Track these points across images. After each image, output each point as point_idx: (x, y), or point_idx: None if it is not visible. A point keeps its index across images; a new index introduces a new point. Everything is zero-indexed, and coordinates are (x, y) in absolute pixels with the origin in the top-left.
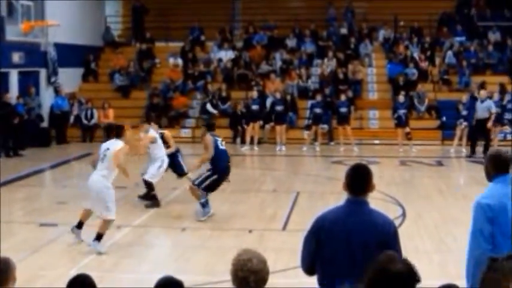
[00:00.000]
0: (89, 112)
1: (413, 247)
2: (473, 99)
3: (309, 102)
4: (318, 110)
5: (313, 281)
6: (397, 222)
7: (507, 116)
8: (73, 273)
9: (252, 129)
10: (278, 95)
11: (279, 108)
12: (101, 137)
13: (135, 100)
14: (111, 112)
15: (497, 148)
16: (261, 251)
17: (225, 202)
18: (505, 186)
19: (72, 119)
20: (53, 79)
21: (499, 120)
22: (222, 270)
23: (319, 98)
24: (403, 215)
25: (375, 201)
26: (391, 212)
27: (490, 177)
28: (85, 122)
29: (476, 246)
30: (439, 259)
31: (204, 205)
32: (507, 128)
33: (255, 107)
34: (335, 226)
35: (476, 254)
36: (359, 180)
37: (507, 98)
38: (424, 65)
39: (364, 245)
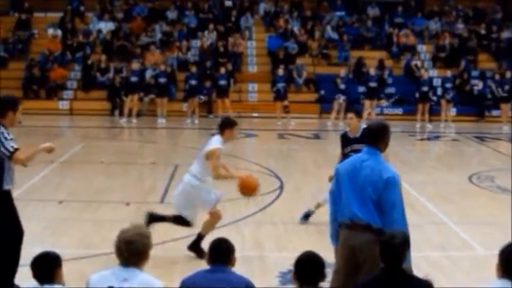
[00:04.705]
0: None
1: (290, 219)
2: (356, 73)
3: (185, 75)
4: (193, 82)
5: (189, 253)
6: (274, 195)
7: (387, 90)
8: None
9: (131, 102)
10: (162, 67)
11: (162, 80)
12: None
13: (13, 71)
14: None
15: (374, 119)
16: None
17: (102, 174)
18: (361, 155)
19: None
20: None
21: (376, 94)
22: (99, 242)
23: (193, 69)
24: (281, 187)
25: (253, 173)
26: (269, 185)
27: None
28: None
29: (330, 207)
30: (315, 230)
31: None
32: (384, 102)
33: (134, 79)
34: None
35: (330, 214)
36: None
37: (386, 72)
38: (303, 38)
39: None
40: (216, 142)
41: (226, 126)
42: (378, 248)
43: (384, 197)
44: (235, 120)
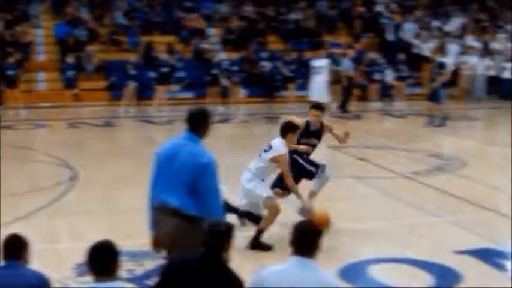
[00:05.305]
0: None
1: (85, 209)
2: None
3: None
4: None
5: None
6: (66, 186)
7: (177, 74)
8: None
9: None
10: None
11: None
12: None
13: None
14: None
15: (197, 106)
16: None
17: None
18: (180, 140)
19: None
20: None
21: (168, 79)
22: None
23: None
24: (74, 178)
25: (44, 164)
26: (61, 176)
27: None
28: None
29: (149, 192)
30: (109, 220)
31: None
32: (175, 87)
33: None
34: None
35: (149, 199)
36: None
37: (175, 57)
38: (93, 25)
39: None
40: (281, 146)
41: (290, 130)
42: (186, 234)
43: (200, 182)
44: (297, 125)
